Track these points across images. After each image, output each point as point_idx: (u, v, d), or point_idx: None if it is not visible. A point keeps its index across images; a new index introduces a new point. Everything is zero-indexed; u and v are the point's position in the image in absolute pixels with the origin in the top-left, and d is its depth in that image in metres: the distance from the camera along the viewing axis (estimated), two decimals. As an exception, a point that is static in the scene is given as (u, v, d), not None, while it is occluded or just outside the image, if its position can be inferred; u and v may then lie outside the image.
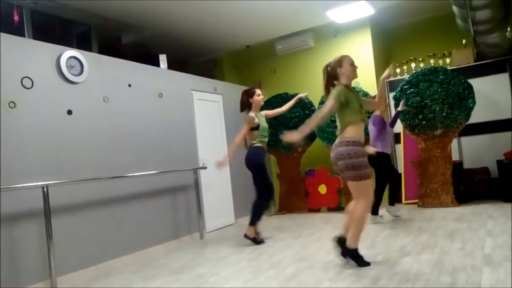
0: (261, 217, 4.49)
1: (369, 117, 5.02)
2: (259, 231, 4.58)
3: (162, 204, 4.93)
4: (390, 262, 3.18)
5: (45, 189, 3.53)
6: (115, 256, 4.23)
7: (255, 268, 3.50)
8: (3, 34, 3.55)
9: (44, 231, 3.55)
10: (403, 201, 6.08)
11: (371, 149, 4.43)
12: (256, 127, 4.48)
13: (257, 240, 4.47)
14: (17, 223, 3.45)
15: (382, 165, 4.95)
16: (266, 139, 4.62)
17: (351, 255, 3.19)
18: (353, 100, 3.16)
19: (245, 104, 4.60)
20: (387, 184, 5.03)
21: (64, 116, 3.96)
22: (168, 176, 5.04)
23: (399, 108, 5.33)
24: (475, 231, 3.91)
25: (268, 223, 5.87)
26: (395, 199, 5.13)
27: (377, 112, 4.98)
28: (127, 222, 4.42)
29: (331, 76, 3.30)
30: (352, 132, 3.12)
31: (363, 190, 3.10)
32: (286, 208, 6.66)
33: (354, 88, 3.35)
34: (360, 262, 3.15)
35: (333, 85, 3.29)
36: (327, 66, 3.34)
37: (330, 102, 3.11)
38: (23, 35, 4.27)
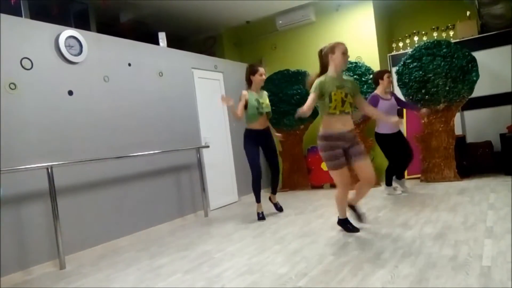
0: (259, 195, 4.62)
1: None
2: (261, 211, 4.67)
3: (166, 183, 4.96)
4: (393, 236, 3.22)
5: (49, 170, 3.55)
6: (122, 235, 4.29)
7: (260, 245, 3.54)
8: (1, 15, 3.50)
9: (50, 212, 3.59)
10: (406, 176, 6.09)
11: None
12: (246, 107, 4.48)
13: (259, 216, 4.61)
14: (23, 204, 3.49)
15: (384, 146, 4.98)
16: (255, 119, 4.52)
17: (339, 223, 3.62)
18: (328, 92, 3.25)
19: (246, 79, 4.62)
20: (398, 161, 4.98)
21: (65, 97, 3.95)
22: (171, 155, 5.05)
23: (422, 111, 5.07)
24: (477, 205, 3.94)
25: (271, 200, 5.91)
26: (402, 173, 5.15)
27: (377, 90, 4.93)
28: (132, 201, 4.46)
29: (322, 61, 3.39)
30: (324, 124, 3.35)
31: (334, 179, 3.39)
32: (289, 185, 6.70)
33: (344, 74, 3.43)
34: (348, 228, 3.54)
35: (325, 72, 3.38)
36: (321, 50, 3.39)
37: (311, 95, 3.27)
38: (20, 15, 4.21)
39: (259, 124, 4.56)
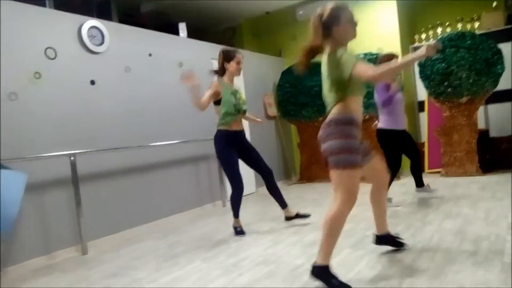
0: (238, 209, 3.79)
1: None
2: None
3: (185, 173, 5.02)
4: (411, 231, 3.19)
5: (72, 158, 3.63)
6: (141, 223, 4.37)
7: (276, 235, 3.56)
8: (26, 5, 3.58)
9: (73, 199, 3.68)
10: (426, 170, 6.01)
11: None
12: (217, 103, 3.62)
13: (236, 230, 3.77)
14: (47, 191, 3.59)
15: (388, 145, 4.13)
16: (232, 118, 3.64)
17: (316, 272, 2.35)
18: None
19: (219, 67, 3.72)
20: (397, 166, 4.13)
21: (88, 86, 4.02)
22: (190, 146, 5.10)
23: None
24: (500, 200, 3.86)
25: (289, 192, 5.92)
26: (420, 181, 4.40)
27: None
28: (151, 190, 4.54)
29: (320, 33, 2.33)
30: (345, 107, 2.33)
31: (343, 184, 2.28)
32: (307, 177, 6.69)
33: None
34: (332, 283, 2.26)
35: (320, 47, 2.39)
36: (320, 15, 2.34)
37: (362, 62, 2.22)
38: (44, 6, 4.28)
39: (236, 125, 3.69)
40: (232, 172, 3.66)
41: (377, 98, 4.05)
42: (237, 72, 3.70)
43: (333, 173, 2.28)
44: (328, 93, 2.40)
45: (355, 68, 2.17)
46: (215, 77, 3.84)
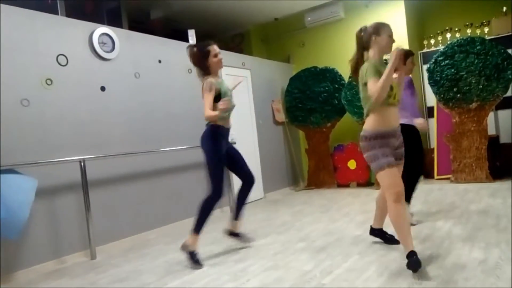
0: (205, 222, 3.21)
1: None
2: (239, 232, 3.58)
3: (194, 178, 5.04)
4: (421, 237, 3.17)
5: (82, 163, 3.67)
6: (150, 228, 4.39)
7: (285, 241, 3.56)
8: (38, 13, 3.64)
9: (82, 203, 3.72)
10: (435, 177, 5.96)
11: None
12: (216, 99, 3.17)
13: (194, 257, 3.16)
14: (57, 196, 3.63)
15: (408, 141, 3.33)
16: (229, 114, 3.32)
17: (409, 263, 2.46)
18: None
19: (199, 66, 3.28)
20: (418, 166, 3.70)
21: (98, 92, 4.07)
22: (198, 151, 5.09)
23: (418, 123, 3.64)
24: (510, 207, 3.81)
25: (296, 198, 5.92)
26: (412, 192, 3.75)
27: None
28: (160, 195, 4.56)
29: (361, 44, 2.73)
30: (375, 120, 2.60)
31: (384, 183, 2.58)
32: (315, 183, 6.68)
33: (386, 61, 2.68)
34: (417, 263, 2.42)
35: (362, 57, 2.74)
36: (360, 30, 2.73)
37: (373, 79, 2.50)
38: (56, 13, 4.36)
39: (229, 122, 3.36)
40: (220, 174, 3.22)
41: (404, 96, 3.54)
42: (220, 64, 3.29)
43: (378, 177, 2.63)
44: (363, 104, 2.72)
45: (368, 82, 2.53)
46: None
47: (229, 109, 3.27)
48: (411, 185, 3.60)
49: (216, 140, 3.24)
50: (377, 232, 3.20)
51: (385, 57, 2.75)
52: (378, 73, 2.51)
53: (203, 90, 3.17)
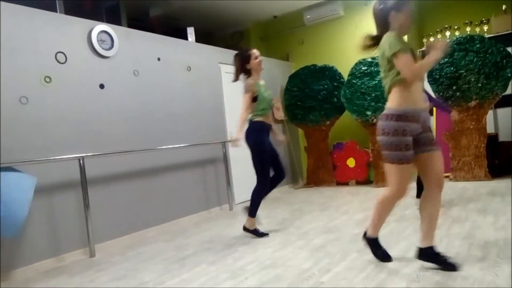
0: (258, 207, 3.73)
1: None
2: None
3: (193, 176, 5.04)
4: (419, 235, 3.16)
5: (81, 161, 3.67)
6: (149, 226, 4.40)
7: (283, 239, 3.56)
8: (37, 10, 3.63)
9: (81, 201, 3.72)
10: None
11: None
12: (254, 99, 3.65)
13: (258, 232, 3.76)
14: (56, 194, 3.62)
15: None
16: (268, 112, 3.74)
17: (369, 241, 2.72)
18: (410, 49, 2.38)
19: (242, 71, 3.75)
20: None
21: (97, 90, 4.06)
22: (197, 149, 5.13)
23: (453, 114, 4.62)
24: (509, 205, 3.82)
25: (295, 196, 5.93)
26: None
27: None
28: (159, 193, 4.56)
29: (382, 21, 2.49)
30: (399, 97, 2.36)
31: (393, 176, 2.42)
32: (314, 181, 6.68)
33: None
34: (378, 253, 2.70)
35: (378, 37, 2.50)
36: (379, 4, 2.50)
37: (404, 55, 2.31)
38: (55, 11, 4.35)
39: (269, 119, 3.77)
40: (266, 164, 3.66)
41: None
42: (260, 66, 3.72)
43: (386, 165, 2.44)
44: (383, 79, 2.47)
45: (397, 56, 2.30)
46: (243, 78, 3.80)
47: (266, 108, 3.68)
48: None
49: (259, 134, 3.63)
50: (429, 253, 2.44)
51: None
52: (408, 48, 2.33)
53: (243, 89, 3.63)
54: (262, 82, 3.77)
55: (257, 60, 3.68)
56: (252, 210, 3.72)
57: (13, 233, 3.03)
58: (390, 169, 2.41)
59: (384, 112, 2.41)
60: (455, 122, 5.48)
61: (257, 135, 3.62)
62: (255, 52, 3.70)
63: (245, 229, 3.80)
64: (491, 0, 6.02)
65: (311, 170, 6.72)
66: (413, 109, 2.34)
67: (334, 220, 4.09)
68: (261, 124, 3.67)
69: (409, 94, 2.34)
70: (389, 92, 2.42)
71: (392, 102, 2.38)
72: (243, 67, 3.71)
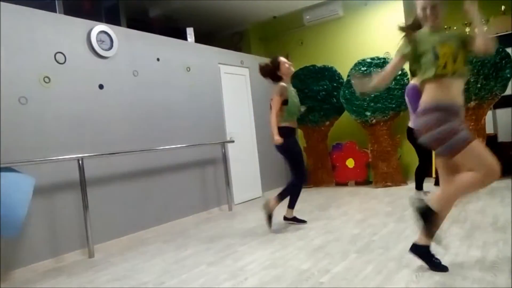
0: (296, 200, 4.07)
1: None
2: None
3: (192, 176, 5.04)
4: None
5: (80, 162, 3.67)
6: (148, 226, 4.39)
7: (283, 239, 3.56)
8: (36, 11, 3.63)
9: (80, 202, 3.71)
10: (433, 175, 5.97)
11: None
12: (284, 102, 3.85)
13: (298, 219, 4.10)
14: (55, 194, 3.62)
15: (418, 144, 4.15)
16: (295, 117, 3.95)
17: (420, 251, 2.43)
18: (429, 47, 2.29)
19: (274, 78, 3.98)
20: (427, 161, 4.43)
21: (96, 90, 4.06)
22: (197, 150, 5.13)
23: None
24: (508, 206, 3.82)
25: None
26: (420, 184, 4.50)
27: (413, 81, 4.28)
28: (158, 194, 4.56)
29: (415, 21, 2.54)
30: (431, 93, 2.27)
31: (473, 159, 2.13)
32: (313, 182, 6.68)
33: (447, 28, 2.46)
34: (434, 263, 2.41)
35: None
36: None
37: (393, 59, 2.45)
38: (54, 11, 4.35)
39: (295, 123, 3.99)
40: (301, 162, 3.92)
41: (410, 98, 4.10)
42: (290, 71, 3.97)
43: (459, 158, 2.14)
44: (424, 68, 2.36)
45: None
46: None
47: (295, 112, 3.90)
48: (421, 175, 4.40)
49: (289, 137, 3.83)
50: (423, 251, 2.44)
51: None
52: (399, 52, 2.44)
53: (274, 93, 3.86)
54: (291, 88, 3.98)
55: (287, 65, 3.92)
56: (291, 203, 4.06)
57: (13, 233, 3.02)
58: (464, 157, 2.12)
59: (420, 108, 2.31)
60: None
61: (289, 139, 3.83)
62: (282, 58, 3.95)
63: (285, 218, 4.13)
64: (490, 0, 6.02)
65: (310, 171, 6.72)
66: (453, 101, 2.23)
67: (333, 220, 4.09)
68: (288, 129, 3.86)
69: (442, 89, 2.23)
70: (424, 81, 2.33)
71: (425, 97, 2.30)
72: (274, 73, 3.94)
